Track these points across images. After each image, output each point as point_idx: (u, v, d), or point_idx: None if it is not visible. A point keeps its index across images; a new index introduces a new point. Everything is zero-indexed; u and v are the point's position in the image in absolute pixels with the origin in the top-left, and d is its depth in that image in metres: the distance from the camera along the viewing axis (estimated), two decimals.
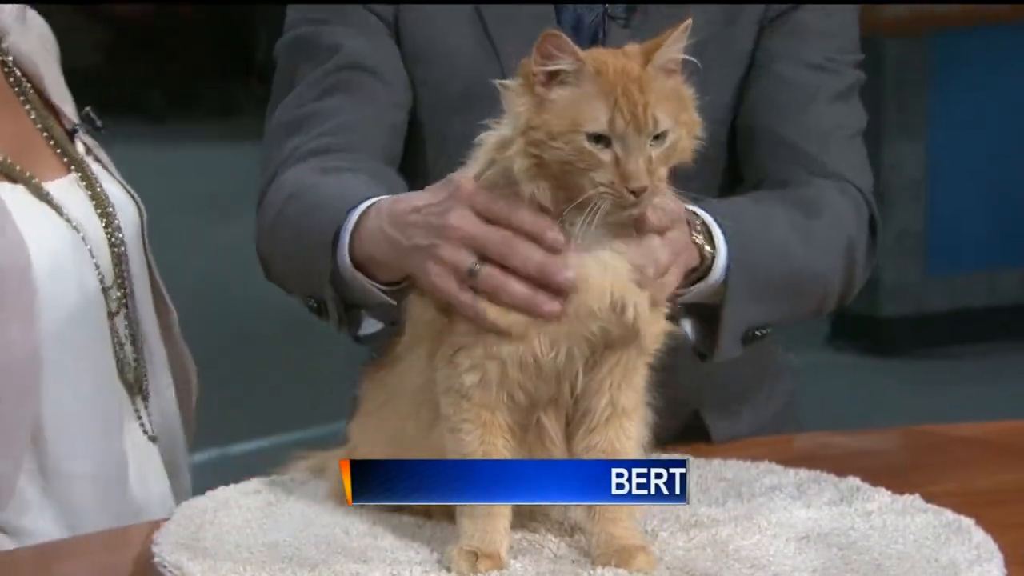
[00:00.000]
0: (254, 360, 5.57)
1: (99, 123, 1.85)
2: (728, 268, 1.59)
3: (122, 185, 1.83)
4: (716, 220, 1.59)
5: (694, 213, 1.57)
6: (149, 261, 1.83)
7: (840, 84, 1.83)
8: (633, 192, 1.35)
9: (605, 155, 1.35)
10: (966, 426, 1.91)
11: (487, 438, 1.41)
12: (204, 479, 1.69)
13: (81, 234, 1.74)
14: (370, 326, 1.60)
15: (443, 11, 1.80)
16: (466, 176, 1.42)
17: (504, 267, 1.39)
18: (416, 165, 1.81)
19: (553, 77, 1.36)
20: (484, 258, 1.40)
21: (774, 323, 1.70)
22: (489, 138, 1.42)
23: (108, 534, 1.69)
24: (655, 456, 1.57)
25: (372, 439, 1.52)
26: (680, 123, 1.38)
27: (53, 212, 1.73)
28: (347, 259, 1.54)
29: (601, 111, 1.35)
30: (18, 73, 1.80)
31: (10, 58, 1.80)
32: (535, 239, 1.38)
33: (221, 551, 1.47)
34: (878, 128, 5.57)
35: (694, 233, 1.55)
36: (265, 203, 1.73)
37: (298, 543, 1.49)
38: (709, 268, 1.58)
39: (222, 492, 1.62)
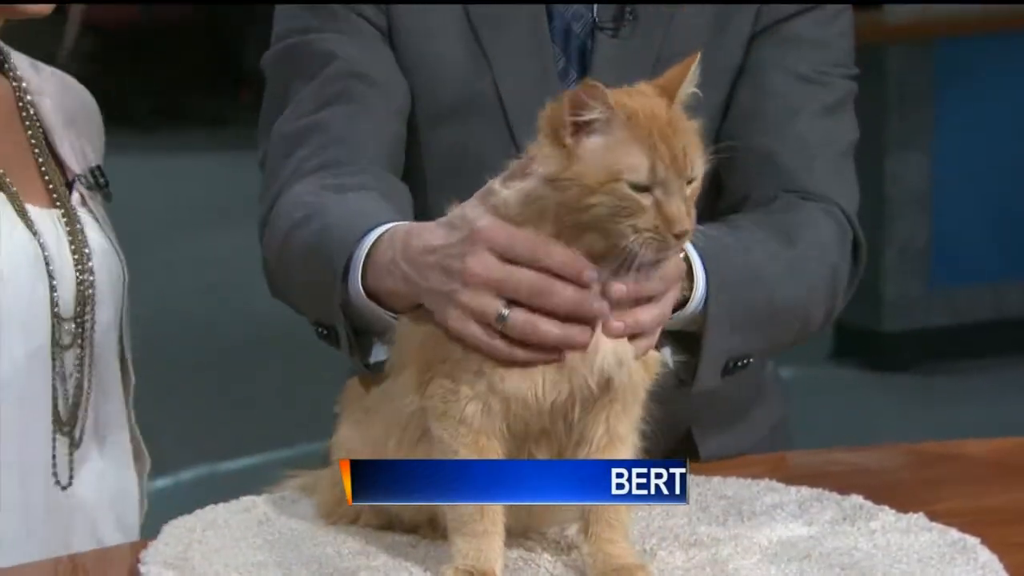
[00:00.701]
0: (245, 374, 5.56)
1: (104, 180, 1.86)
2: (706, 299, 1.60)
3: (111, 241, 1.83)
4: (696, 249, 1.59)
5: None
6: (123, 323, 1.82)
7: (830, 97, 1.82)
8: (676, 236, 1.36)
9: (646, 200, 1.36)
10: (971, 443, 1.91)
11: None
12: (192, 497, 1.69)
13: (46, 253, 1.74)
14: (380, 353, 1.58)
15: (433, 20, 1.80)
16: (481, 213, 1.41)
17: (533, 308, 1.39)
18: (413, 173, 1.81)
19: (582, 127, 1.37)
20: (511, 301, 1.40)
21: (755, 353, 1.70)
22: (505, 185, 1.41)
23: (92, 554, 1.68)
24: None
25: (353, 454, 1.50)
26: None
27: (22, 223, 1.74)
28: (360, 288, 1.53)
29: (640, 158, 1.36)
30: (31, 111, 1.83)
31: (28, 96, 1.83)
32: (570, 278, 1.38)
33: (209, 571, 1.47)
34: (881, 138, 5.58)
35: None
36: (271, 223, 1.71)
37: (288, 563, 1.49)
38: (687, 299, 1.59)
39: (211, 511, 1.62)
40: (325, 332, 1.62)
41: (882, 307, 5.72)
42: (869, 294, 5.64)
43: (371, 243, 1.53)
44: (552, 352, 1.40)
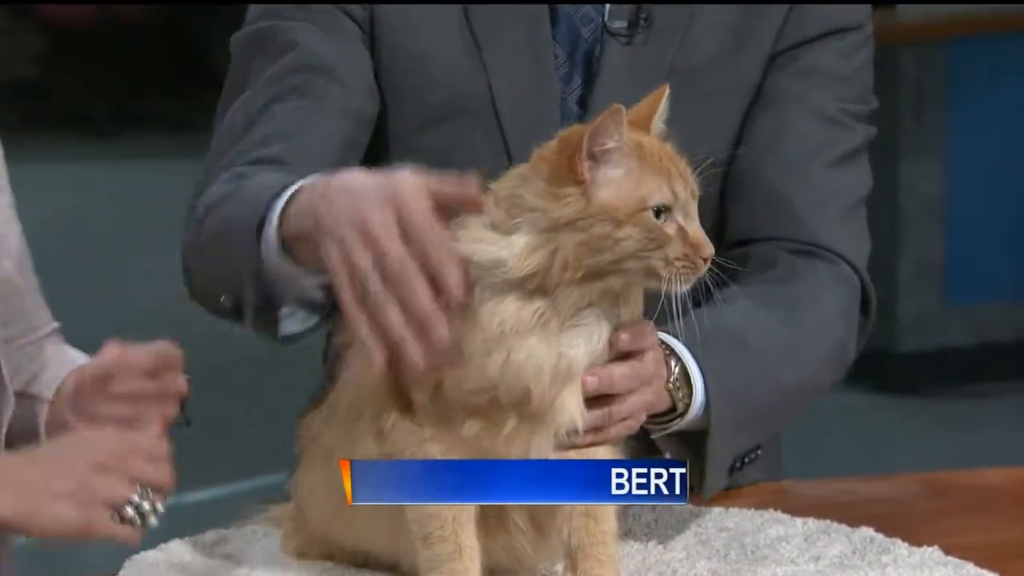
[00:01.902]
0: (210, 398, 5.53)
1: None
2: (707, 405, 1.61)
3: None
4: (690, 351, 1.59)
5: (669, 348, 1.58)
6: None
7: (849, 143, 1.83)
8: (704, 259, 1.39)
9: (670, 228, 1.39)
10: (990, 472, 1.91)
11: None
12: (155, 531, 1.69)
13: None
14: (293, 323, 1.58)
15: (425, 15, 1.80)
16: (413, 173, 1.40)
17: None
18: None
19: (599, 158, 1.38)
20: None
21: (762, 441, 1.73)
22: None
23: None
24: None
25: (316, 494, 1.53)
26: None
27: None
28: (273, 241, 1.52)
29: (660, 182, 1.39)
30: None
31: None
32: (437, 270, 1.37)
33: None
34: (894, 145, 5.58)
35: (670, 376, 1.57)
36: (194, 210, 1.71)
37: None
38: (686, 408, 1.60)
39: (175, 545, 1.62)
40: (234, 308, 1.61)
41: (895, 326, 5.71)
42: (882, 312, 5.61)
43: (291, 192, 1.52)
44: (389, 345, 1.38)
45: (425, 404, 1.43)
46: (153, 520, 1.45)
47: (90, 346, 1.88)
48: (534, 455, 1.42)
